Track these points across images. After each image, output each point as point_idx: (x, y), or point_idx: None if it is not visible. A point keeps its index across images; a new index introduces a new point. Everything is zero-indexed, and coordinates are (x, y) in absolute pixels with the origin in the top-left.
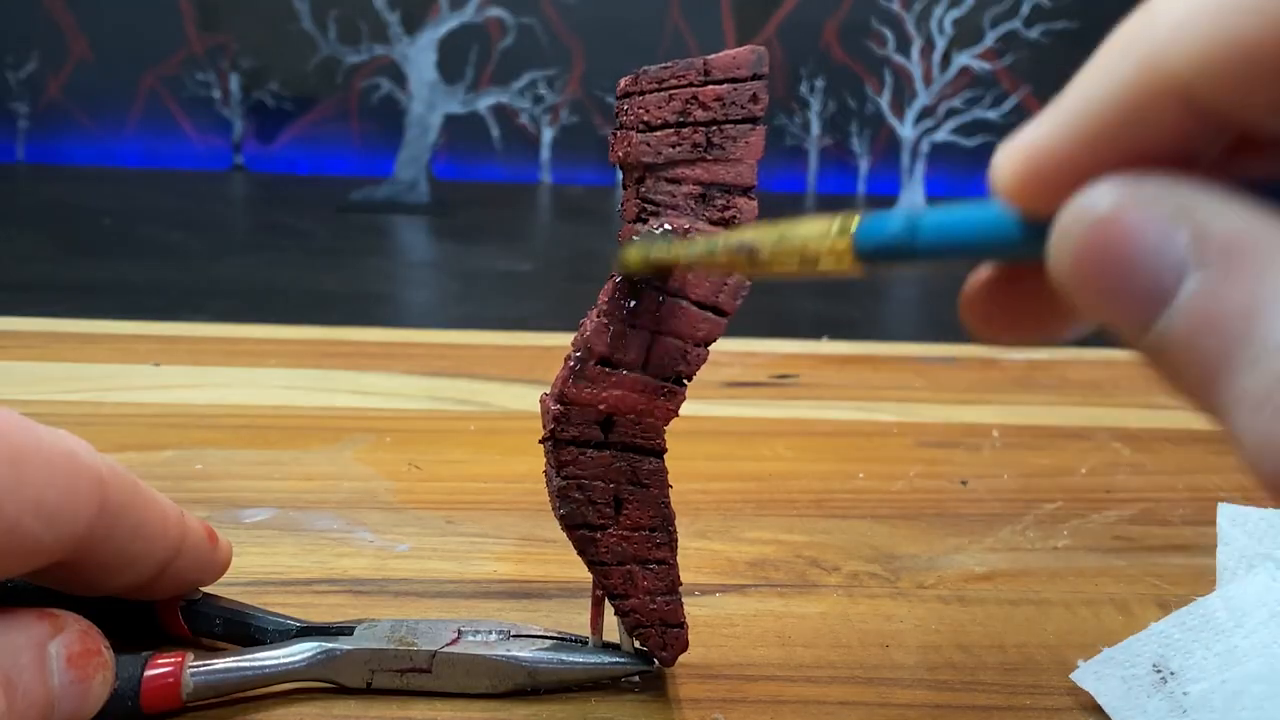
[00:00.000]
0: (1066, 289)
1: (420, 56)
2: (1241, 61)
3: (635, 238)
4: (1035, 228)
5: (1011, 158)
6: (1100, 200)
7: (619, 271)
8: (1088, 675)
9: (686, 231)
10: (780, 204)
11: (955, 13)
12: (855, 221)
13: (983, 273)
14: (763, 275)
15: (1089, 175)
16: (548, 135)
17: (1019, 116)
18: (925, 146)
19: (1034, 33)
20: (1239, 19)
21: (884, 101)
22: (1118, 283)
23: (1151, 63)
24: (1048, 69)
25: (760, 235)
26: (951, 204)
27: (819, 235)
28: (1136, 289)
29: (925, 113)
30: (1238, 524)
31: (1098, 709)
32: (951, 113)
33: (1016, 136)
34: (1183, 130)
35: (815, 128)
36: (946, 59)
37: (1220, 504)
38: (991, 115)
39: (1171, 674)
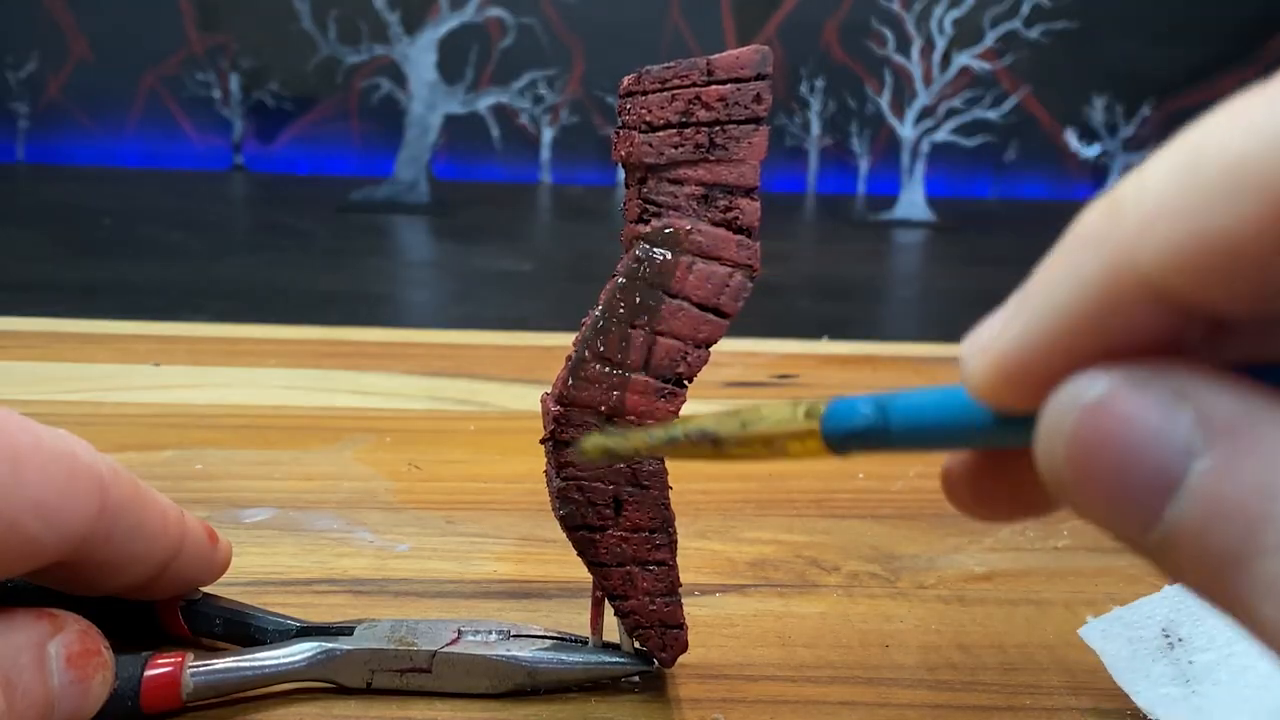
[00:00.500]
0: (1060, 487)
1: (420, 56)
2: (1215, 257)
3: (593, 434)
4: (1011, 420)
5: (981, 361)
6: (1091, 388)
7: (577, 459)
8: (1094, 632)
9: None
10: (781, 204)
11: (955, 13)
12: (822, 409)
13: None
14: (726, 462)
15: (1065, 374)
16: (548, 135)
17: (1019, 116)
18: (925, 146)
19: (1034, 33)
20: (1210, 215)
21: (884, 101)
22: (1119, 474)
23: (1121, 261)
24: (1048, 69)
25: (723, 423)
26: (922, 391)
27: (785, 422)
28: (1140, 477)
29: (925, 113)
30: None
31: (1099, 710)
32: (951, 113)
33: (982, 335)
34: (1157, 323)
35: (815, 128)
36: (946, 59)
37: None
38: (991, 115)
39: (1180, 640)
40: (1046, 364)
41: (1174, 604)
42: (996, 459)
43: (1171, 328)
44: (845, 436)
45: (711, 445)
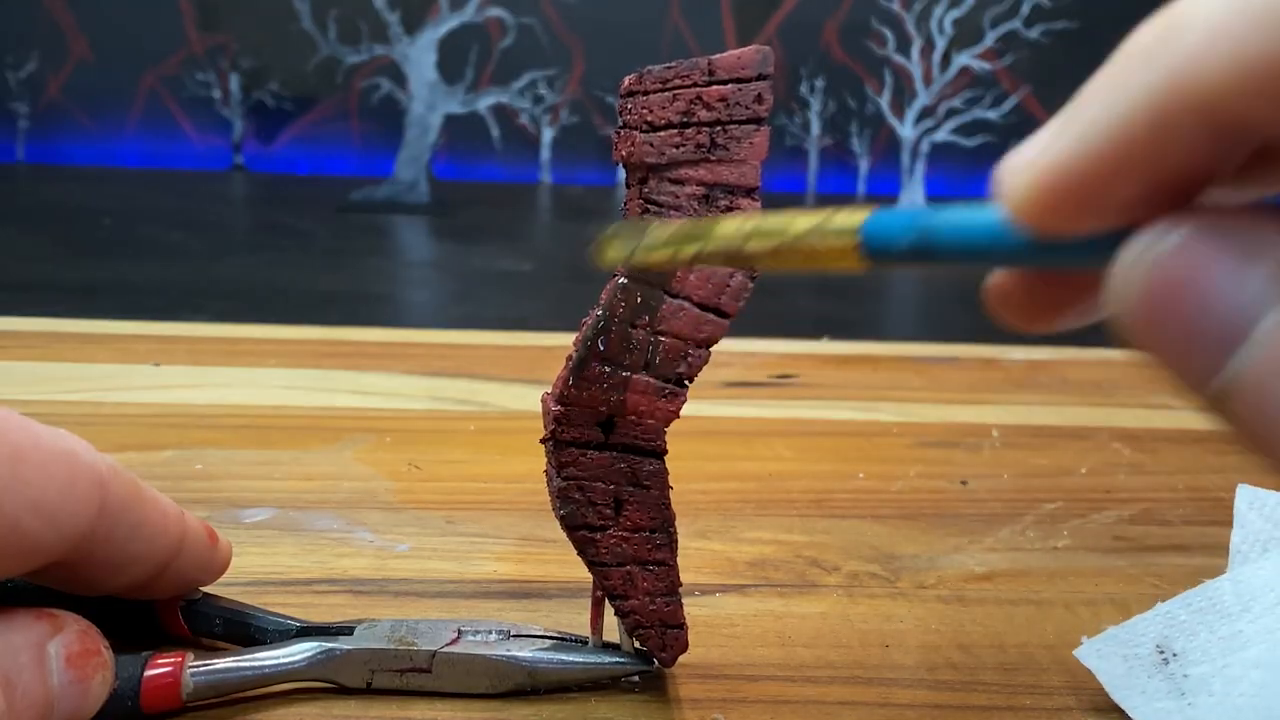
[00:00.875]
0: (1131, 329)
1: (420, 56)
2: (1266, 81)
3: (615, 228)
4: (1053, 242)
5: (1023, 178)
6: (1169, 235)
7: (596, 264)
8: (1090, 653)
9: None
10: (780, 204)
11: (955, 13)
12: (862, 219)
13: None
14: (760, 270)
15: (1111, 195)
16: (548, 135)
17: (1019, 116)
18: (925, 146)
19: (1034, 33)
20: (1264, 39)
21: (884, 101)
22: (1189, 320)
23: (1179, 78)
24: (1048, 69)
25: (759, 229)
26: (964, 210)
27: (823, 231)
28: (1210, 324)
29: (925, 113)
30: (1255, 507)
31: (1099, 710)
32: (951, 113)
33: (1025, 151)
34: (1204, 147)
35: (815, 128)
36: (946, 59)
37: (1240, 486)
38: (991, 115)
39: (1174, 655)
40: (1092, 184)
41: (1167, 620)
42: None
43: (1217, 154)
44: (884, 247)
45: (745, 253)
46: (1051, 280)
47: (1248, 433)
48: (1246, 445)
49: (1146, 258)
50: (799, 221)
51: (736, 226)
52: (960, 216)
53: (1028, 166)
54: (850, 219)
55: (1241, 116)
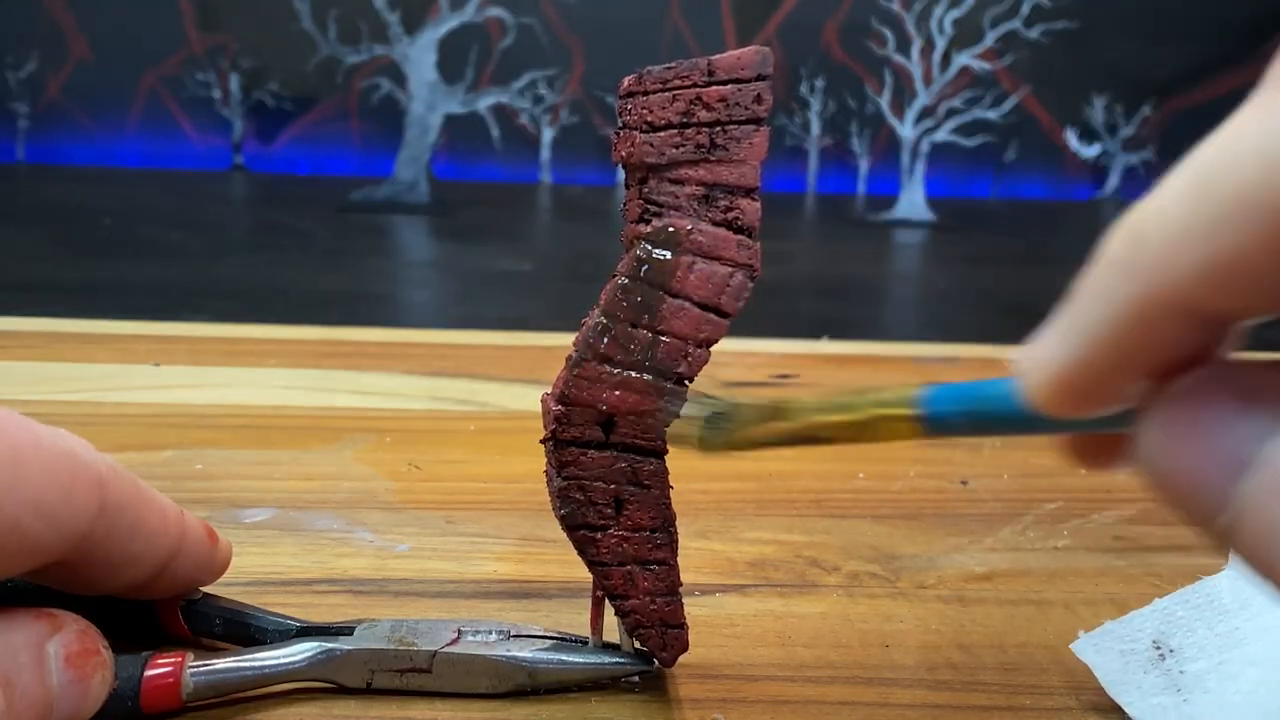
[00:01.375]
0: (1154, 486)
1: (420, 56)
2: (1235, 273)
3: (690, 421)
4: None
5: (1038, 379)
6: (1178, 399)
7: (697, 452)
8: (1087, 648)
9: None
10: (781, 204)
11: (955, 13)
12: (916, 396)
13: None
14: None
15: (1115, 386)
16: (548, 135)
17: (1019, 116)
18: (925, 146)
19: (1034, 33)
20: (1224, 237)
21: (884, 101)
22: (1195, 460)
23: (1150, 284)
24: (1048, 69)
25: (828, 424)
26: (998, 384)
27: (883, 406)
28: (1214, 461)
29: (925, 113)
30: None
31: (1098, 710)
32: (951, 113)
33: (1035, 351)
34: (1190, 334)
35: (815, 128)
36: (946, 59)
37: None
38: (991, 115)
39: (1171, 651)
40: (1096, 380)
41: (1164, 616)
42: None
43: (1203, 335)
44: (941, 427)
45: (819, 440)
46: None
47: (1255, 557)
48: (1256, 569)
49: (1158, 416)
50: (864, 399)
51: (809, 404)
52: (1003, 397)
53: (1038, 368)
54: (906, 394)
55: (1210, 306)
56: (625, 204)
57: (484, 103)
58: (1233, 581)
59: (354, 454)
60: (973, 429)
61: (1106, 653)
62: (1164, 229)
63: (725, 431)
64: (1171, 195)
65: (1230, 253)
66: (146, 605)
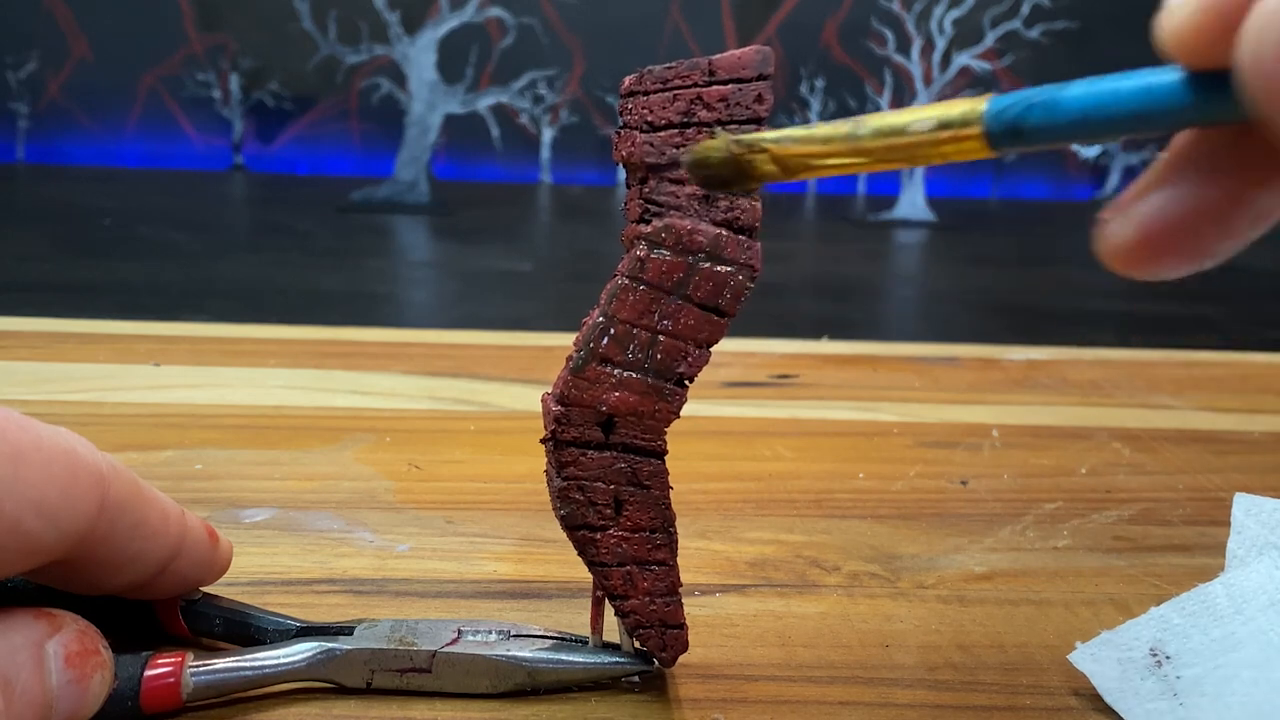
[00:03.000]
0: (1266, 92)
1: (420, 56)
2: None
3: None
4: (1203, 86)
5: (1184, 5)
6: None
7: (690, 171)
8: (1084, 657)
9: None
10: (781, 204)
11: (955, 13)
12: (981, 109)
13: (1131, 195)
14: (885, 166)
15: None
16: (548, 135)
17: None
18: None
19: (1034, 33)
20: None
21: (884, 101)
22: None
23: None
24: (1048, 69)
25: (877, 133)
26: (1083, 81)
27: (946, 121)
28: None
29: None
30: (1251, 514)
31: (1099, 710)
32: None
33: None
34: None
35: None
36: (946, 59)
37: (1237, 494)
38: None
39: (1167, 658)
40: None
41: (1161, 623)
42: (1170, 189)
43: None
44: (1011, 128)
45: (870, 142)
46: (1163, 221)
47: None
48: None
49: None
50: (924, 114)
51: (853, 128)
52: (1082, 87)
53: None
54: (973, 106)
55: None
56: (626, 204)
57: (484, 103)
58: (1228, 587)
59: (354, 454)
60: (1049, 127)
61: (1104, 661)
62: None
63: (754, 147)
64: None
65: None
66: (146, 605)
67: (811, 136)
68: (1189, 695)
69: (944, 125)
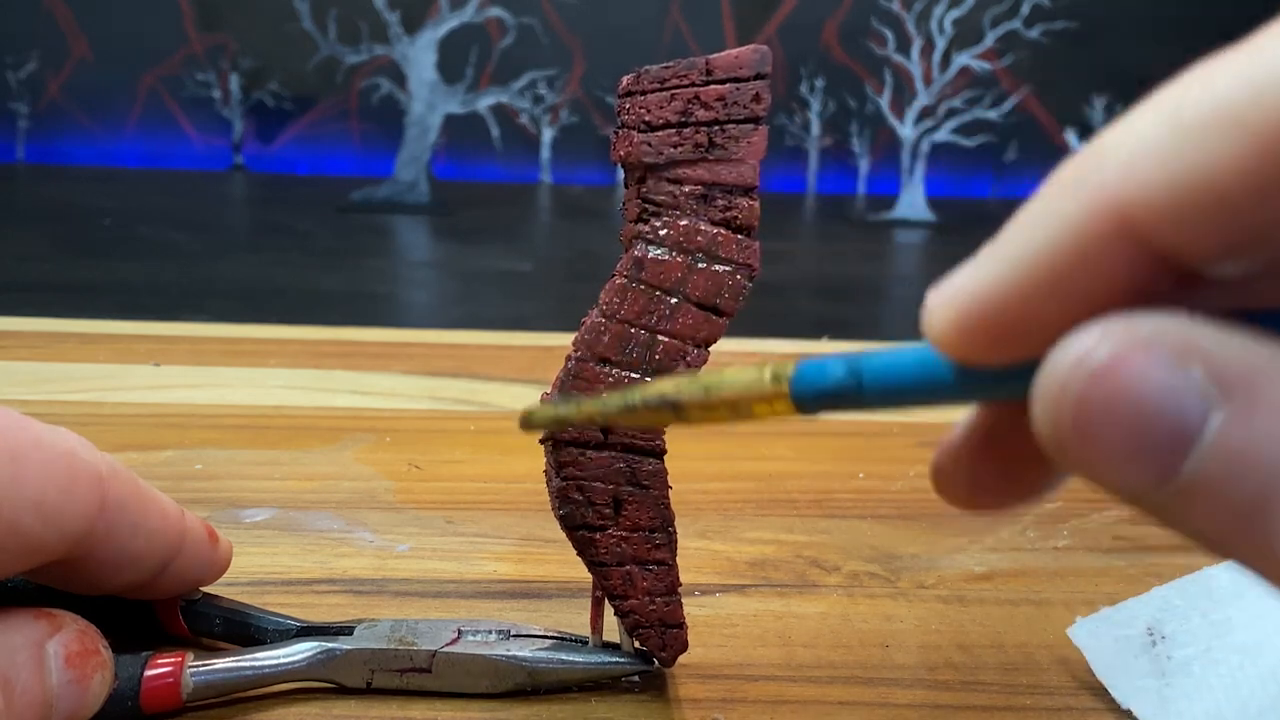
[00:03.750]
0: (1063, 450)
1: (420, 56)
2: (1197, 198)
3: (541, 401)
4: (981, 373)
5: (946, 310)
6: (1096, 348)
7: (523, 428)
8: (1082, 632)
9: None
10: (781, 204)
11: (955, 13)
12: (790, 370)
13: (950, 441)
14: (686, 425)
15: (1036, 324)
16: (548, 135)
17: (1019, 116)
18: (925, 146)
19: (1034, 33)
20: (1193, 156)
21: (884, 101)
22: (1132, 434)
23: (1101, 202)
24: (1048, 69)
25: (684, 389)
26: (892, 351)
27: (751, 385)
28: (1156, 438)
29: (925, 113)
30: None
31: (1098, 710)
32: (951, 113)
33: (951, 283)
34: (1131, 272)
35: (815, 128)
36: (946, 59)
37: None
38: (991, 115)
39: (1163, 638)
40: (1015, 312)
41: (1161, 603)
42: (985, 442)
43: (1145, 278)
44: (815, 398)
45: (672, 411)
46: (991, 454)
47: (1210, 533)
48: (1210, 544)
49: (1075, 373)
50: (729, 375)
51: (672, 382)
52: (888, 357)
53: (949, 297)
54: (778, 370)
55: (1164, 238)
56: (624, 203)
57: (484, 103)
58: (1230, 572)
59: (354, 454)
60: (851, 397)
61: (1101, 638)
62: (1130, 143)
63: (567, 405)
64: (1142, 114)
65: (1200, 170)
66: (146, 605)
67: (632, 412)
68: (1175, 675)
69: (755, 398)
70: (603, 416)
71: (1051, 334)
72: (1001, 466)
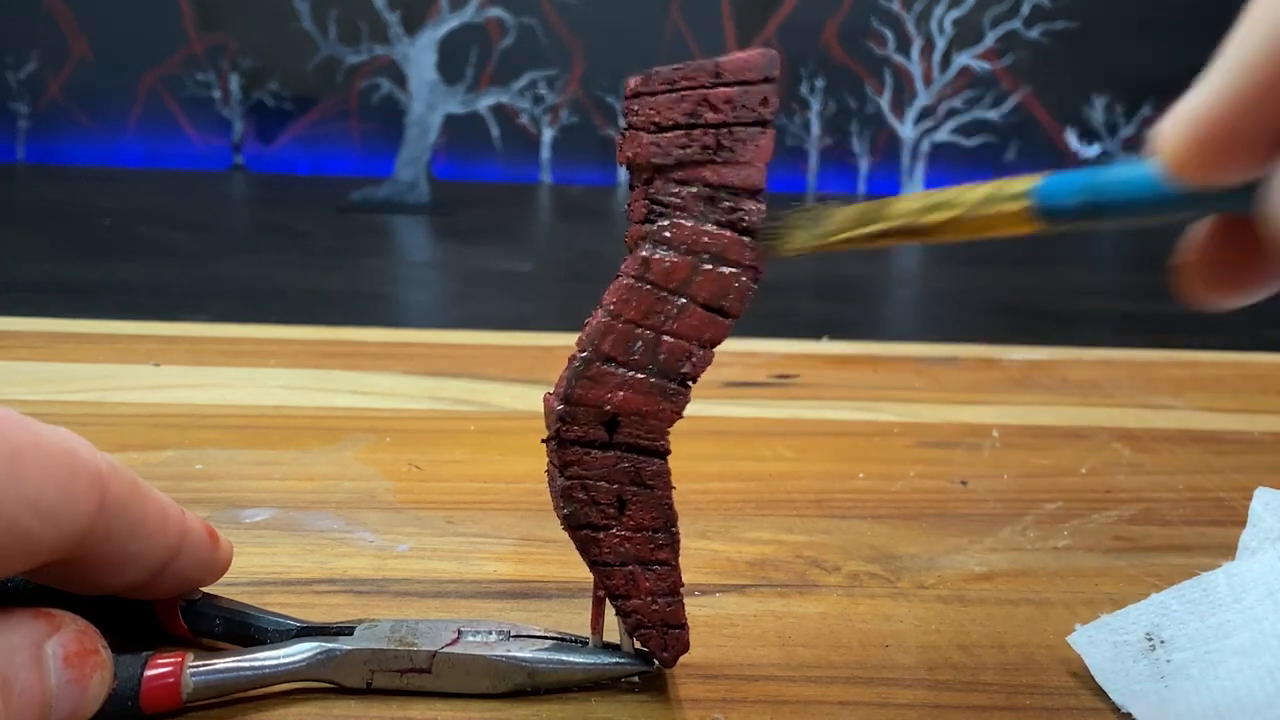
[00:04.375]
0: None
1: (420, 56)
2: None
3: (790, 216)
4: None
5: (1173, 130)
6: None
7: (777, 253)
8: (1081, 639)
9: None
10: (781, 204)
11: (955, 13)
12: (1032, 184)
13: (1195, 236)
14: (937, 241)
15: (1254, 136)
16: (548, 135)
17: (1019, 116)
18: (925, 146)
19: (1034, 33)
20: None
21: (884, 101)
22: None
23: None
24: (1048, 69)
25: (935, 203)
26: (1129, 163)
27: (991, 198)
28: None
29: (925, 113)
30: (1270, 508)
31: (1099, 710)
32: (951, 113)
33: (1178, 107)
34: None
35: (815, 128)
36: (946, 59)
37: (1259, 488)
38: (991, 115)
39: (1162, 642)
40: (1233, 127)
41: (1160, 609)
42: (1222, 241)
43: None
44: (1055, 210)
45: (919, 232)
46: (1234, 249)
47: None
48: None
49: None
50: (973, 192)
51: (912, 203)
52: (1125, 174)
53: (1176, 121)
54: (1022, 185)
55: None
56: (630, 204)
57: (484, 103)
58: (1229, 577)
59: (354, 454)
60: (1089, 213)
61: (1100, 644)
62: None
63: (817, 227)
64: None
65: None
66: (146, 605)
67: (884, 233)
68: (1175, 678)
69: (997, 199)
70: (851, 242)
71: (1272, 148)
72: (1235, 260)
